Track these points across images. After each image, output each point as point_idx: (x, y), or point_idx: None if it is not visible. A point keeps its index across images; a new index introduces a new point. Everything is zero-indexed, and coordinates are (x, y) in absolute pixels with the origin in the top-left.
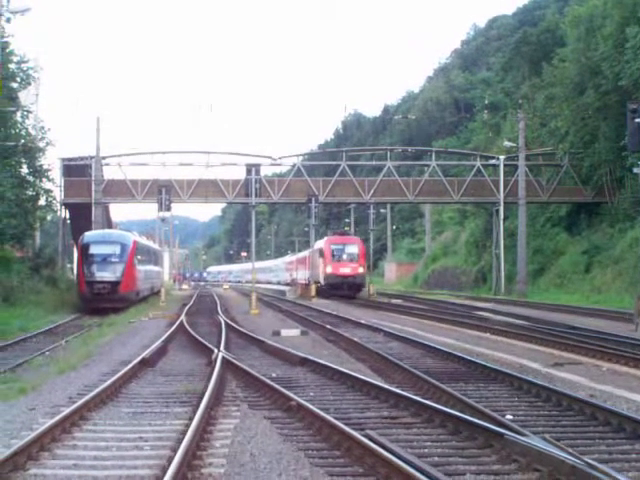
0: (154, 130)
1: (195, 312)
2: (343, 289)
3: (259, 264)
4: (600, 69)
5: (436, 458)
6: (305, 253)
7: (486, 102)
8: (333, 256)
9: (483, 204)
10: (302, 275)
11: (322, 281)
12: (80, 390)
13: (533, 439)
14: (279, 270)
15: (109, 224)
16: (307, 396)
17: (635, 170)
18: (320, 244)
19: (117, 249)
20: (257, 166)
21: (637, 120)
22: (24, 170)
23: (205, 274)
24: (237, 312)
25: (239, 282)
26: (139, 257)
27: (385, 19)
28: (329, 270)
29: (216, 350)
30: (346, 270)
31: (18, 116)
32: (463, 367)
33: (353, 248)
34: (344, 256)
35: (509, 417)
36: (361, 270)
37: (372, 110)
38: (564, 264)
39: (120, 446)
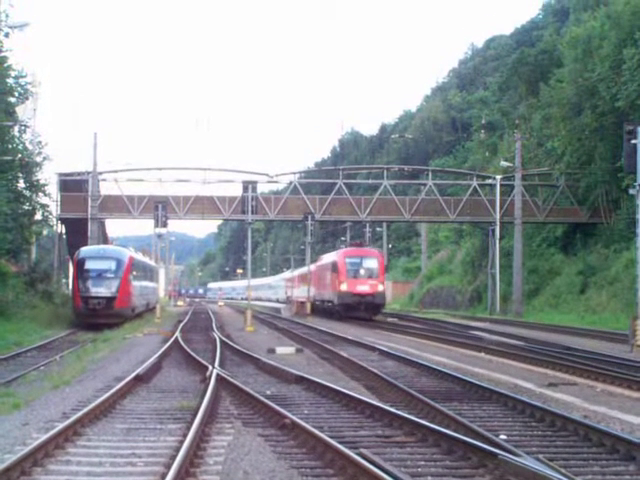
0: (151, 146)
1: (190, 329)
2: (360, 310)
3: (261, 281)
4: (597, 90)
5: (429, 477)
6: (309, 268)
7: (483, 122)
8: (349, 271)
9: (479, 224)
10: (303, 293)
11: (335, 300)
12: (74, 406)
13: (527, 459)
14: (281, 287)
15: (105, 239)
16: (301, 414)
17: (631, 191)
18: (332, 257)
19: (113, 265)
20: (254, 183)
21: (633, 142)
22: (21, 185)
23: (201, 290)
24: (232, 329)
25: (241, 299)
26: (135, 273)
27: (383, 38)
28: (344, 288)
29: (210, 367)
30: (364, 288)
31: (15, 131)
32: (457, 386)
33: (372, 262)
34: (362, 271)
35: (503, 437)
36: (381, 288)
37: (369, 128)
38: (559, 284)
39: (113, 462)
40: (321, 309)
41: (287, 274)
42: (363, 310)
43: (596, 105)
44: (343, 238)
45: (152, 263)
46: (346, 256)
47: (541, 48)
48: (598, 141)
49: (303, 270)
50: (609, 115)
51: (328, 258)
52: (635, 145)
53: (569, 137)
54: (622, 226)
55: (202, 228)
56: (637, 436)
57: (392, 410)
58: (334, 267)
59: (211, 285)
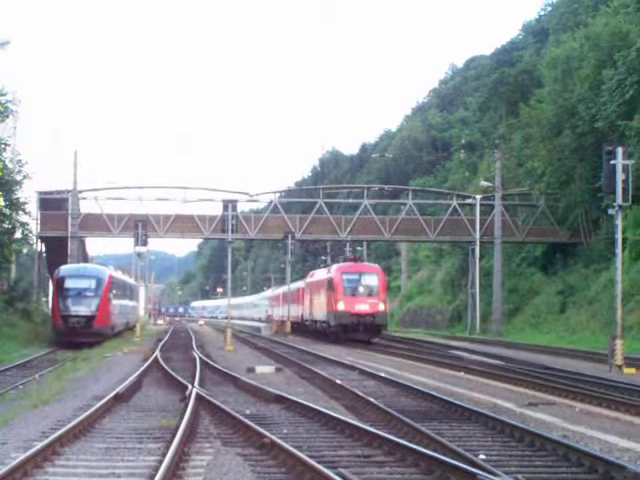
0: (132, 165)
1: (170, 348)
2: (359, 331)
3: (245, 299)
4: (576, 111)
5: None
6: (297, 285)
7: (463, 142)
8: (346, 289)
9: (459, 243)
10: (292, 312)
11: (331, 321)
12: (53, 425)
13: (505, 479)
14: (266, 306)
15: (85, 258)
16: (281, 433)
17: (610, 212)
18: (327, 273)
19: (92, 283)
20: (234, 202)
21: (612, 162)
22: (0, 203)
23: (181, 309)
24: (212, 348)
25: (224, 318)
26: (114, 292)
27: (364, 58)
28: (341, 307)
29: (190, 386)
30: (363, 307)
31: None
32: (437, 406)
33: (372, 279)
34: (360, 289)
35: (482, 457)
36: (382, 307)
37: (350, 148)
38: (539, 304)
39: None
40: (313, 330)
41: (270, 292)
42: (362, 332)
43: (576, 125)
44: (324, 257)
45: (132, 282)
46: (343, 272)
47: (521, 68)
48: (578, 161)
49: (293, 286)
50: (589, 135)
51: (322, 274)
52: (614, 165)
53: (549, 157)
54: (601, 246)
55: (182, 247)
56: (616, 456)
57: (371, 430)
58: (330, 284)
59: (195, 304)
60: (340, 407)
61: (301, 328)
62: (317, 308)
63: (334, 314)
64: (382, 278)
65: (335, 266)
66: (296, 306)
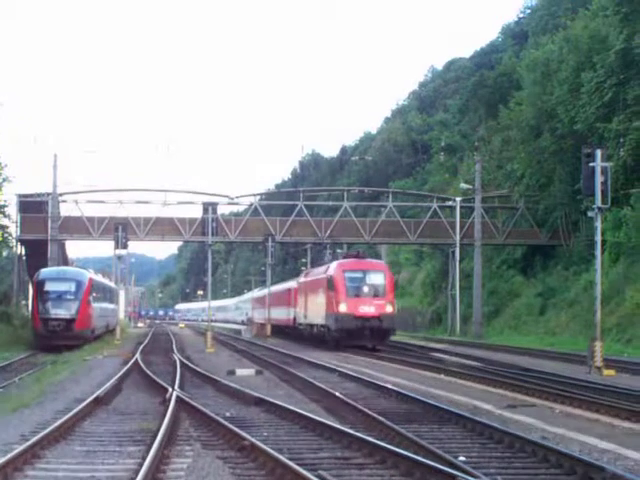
0: (112, 168)
1: (150, 351)
2: (364, 336)
3: (231, 301)
4: (556, 113)
5: None
6: (285, 286)
7: (443, 144)
8: (349, 289)
9: (439, 245)
10: (281, 315)
11: (332, 325)
12: (33, 428)
13: None
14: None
15: (65, 261)
16: (261, 436)
17: (589, 214)
18: (326, 271)
19: (72, 286)
20: (214, 205)
21: (591, 164)
22: None
23: (161, 312)
24: (193, 351)
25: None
26: (95, 294)
27: (343, 60)
28: (343, 309)
29: (170, 389)
30: (369, 309)
31: None
32: (417, 408)
33: (378, 277)
34: (365, 288)
35: (462, 459)
36: (389, 309)
37: (329, 150)
38: (519, 306)
39: None
40: (308, 336)
41: (252, 294)
42: (368, 337)
43: (555, 128)
44: (304, 260)
45: (112, 284)
46: (345, 269)
47: (500, 71)
48: (557, 163)
49: (282, 287)
50: (568, 138)
51: (319, 273)
52: (593, 168)
53: (528, 159)
54: (581, 248)
55: (162, 249)
56: (595, 457)
57: (351, 432)
58: (330, 283)
59: (179, 306)
60: (320, 409)
61: (294, 333)
62: (314, 311)
63: (335, 317)
64: (389, 276)
65: (335, 263)
66: (286, 309)
